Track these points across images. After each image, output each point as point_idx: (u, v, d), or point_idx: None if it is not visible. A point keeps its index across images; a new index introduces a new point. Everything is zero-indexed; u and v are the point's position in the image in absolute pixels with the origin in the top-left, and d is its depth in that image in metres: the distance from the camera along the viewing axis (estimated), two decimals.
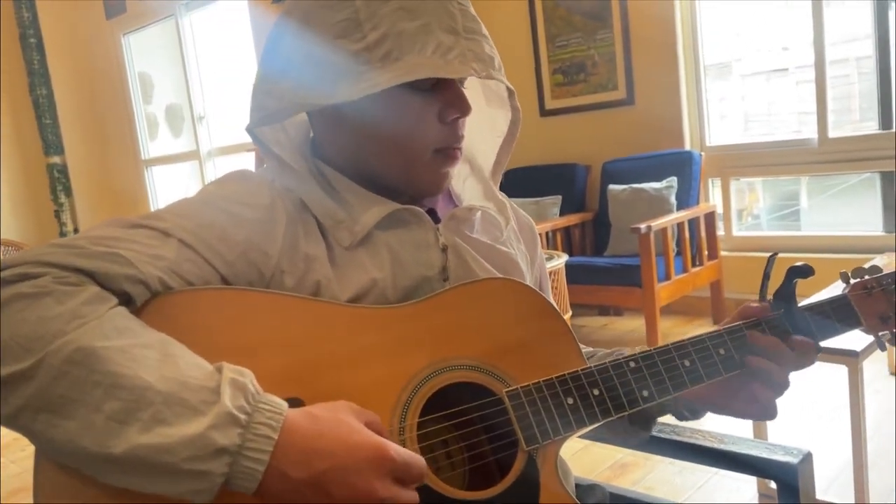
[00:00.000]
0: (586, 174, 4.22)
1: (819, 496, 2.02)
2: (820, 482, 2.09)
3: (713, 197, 4.01)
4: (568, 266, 3.20)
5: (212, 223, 0.74)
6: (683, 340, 0.85)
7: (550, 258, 3.12)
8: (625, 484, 2.22)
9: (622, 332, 3.85)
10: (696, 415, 0.90)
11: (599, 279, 3.57)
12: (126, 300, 0.67)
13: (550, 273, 3.02)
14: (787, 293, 0.89)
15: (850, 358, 1.85)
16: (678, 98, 3.92)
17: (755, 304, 0.90)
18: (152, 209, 0.75)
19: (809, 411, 2.57)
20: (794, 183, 4.56)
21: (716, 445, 0.98)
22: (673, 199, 3.66)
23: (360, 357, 0.73)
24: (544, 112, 4.44)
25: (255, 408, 0.61)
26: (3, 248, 5.08)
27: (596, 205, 4.14)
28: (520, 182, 4.32)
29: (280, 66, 0.79)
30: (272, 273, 0.75)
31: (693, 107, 3.99)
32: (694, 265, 3.62)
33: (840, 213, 4.47)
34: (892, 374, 2.86)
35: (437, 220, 0.86)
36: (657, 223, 3.33)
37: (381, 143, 0.80)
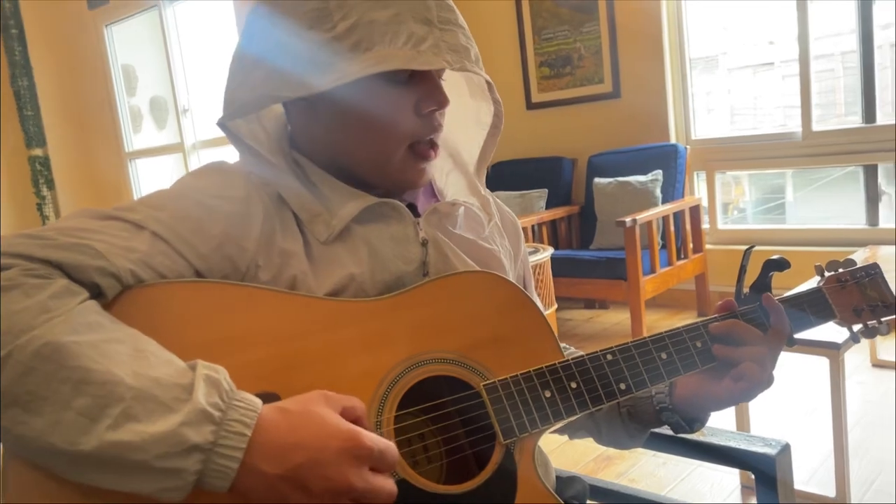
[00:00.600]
0: (572, 167, 4.23)
1: (800, 487, 2.04)
2: (801, 474, 2.11)
3: (698, 190, 4.03)
4: (554, 259, 3.20)
5: (186, 216, 0.73)
6: (661, 333, 0.85)
7: (536, 251, 3.12)
8: (609, 476, 2.23)
9: (607, 326, 3.86)
10: (691, 426, 0.89)
11: (585, 272, 3.58)
12: (96, 293, 0.66)
13: (536, 266, 3.03)
14: (763, 286, 0.90)
15: (832, 350, 1.87)
16: (664, 91, 3.93)
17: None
18: None
19: (792, 404, 2.59)
20: (779, 177, 4.59)
21: (695, 437, 0.98)
22: (658, 193, 3.67)
23: (336, 351, 0.72)
24: (530, 105, 4.43)
25: (229, 405, 0.60)
26: None
27: (582, 198, 4.15)
28: (506, 175, 4.32)
29: (252, 57, 0.78)
30: (247, 267, 0.74)
31: (679, 100, 4.00)
32: (679, 258, 3.63)
33: (825, 207, 4.50)
34: (874, 365, 2.88)
35: (417, 214, 0.85)
36: (642, 216, 3.33)
37: (356, 136, 0.79)
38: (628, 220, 3.25)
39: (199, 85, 5.54)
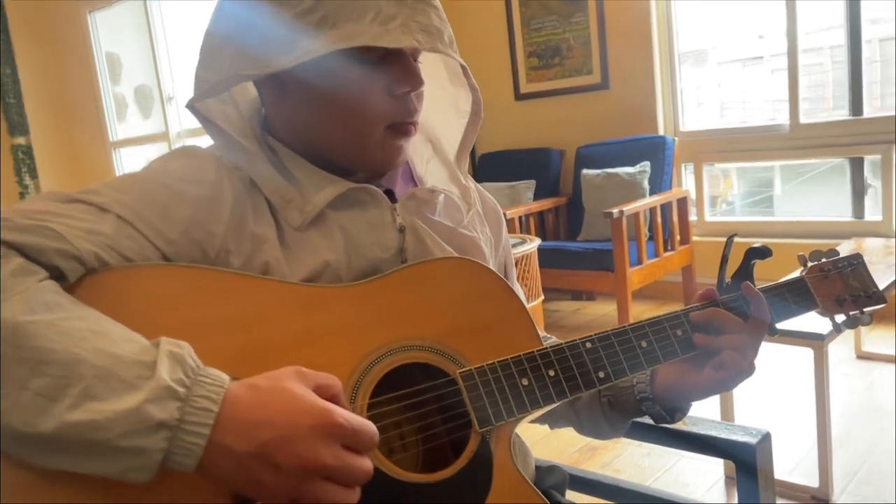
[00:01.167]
0: (560, 158, 4.22)
1: (784, 478, 2.04)
2: (786, 464, 2.11)
3: (686, 182, 4.03)
4: (541, 250, 3.19)
5: (153, 200, 0.71)
6: (641, 322, 0.84)
7: (523, 242, 3.11)
8: (593, 466, 2.22)
9: (594, 317, 3.86)
10: (672, 416, 0.88)
11: (572, 263, 3.58)
12: (58, 275, 0.64)
13: (523, 257, 3.01)
14: (744, 274, 0.89)
15: (816, 341, 1.87)
16: (652, 83, 3.93)
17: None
18: None
19: (776, 394, 2.60)
20: (767, 170, 4.60)
21: (677, 426, 0.97)
22: (646, 184, 3.67)
23: (308, 337, 0.70)
24: (519, 96, 4.41)
25: (194, 381, 0.58)
26: None
27: (570, 189, 4.14)
28: (494, 166, 4.31)
29: (220, 36, 0.76)
30: (217, 253, 0.72)
31: (667, 92, 3.99)
32: (666, 250, 3.63)
33: (812, 199, 4.52)
34: (858, 357, 2.90)
35: (395, 200, 0.83)
36: (629, 208, 3.33)
37: (328, 119, 0.77)
38: (615, 211, 3.25)
39: (184, 73, 5.48)
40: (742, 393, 1.61)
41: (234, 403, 0.58)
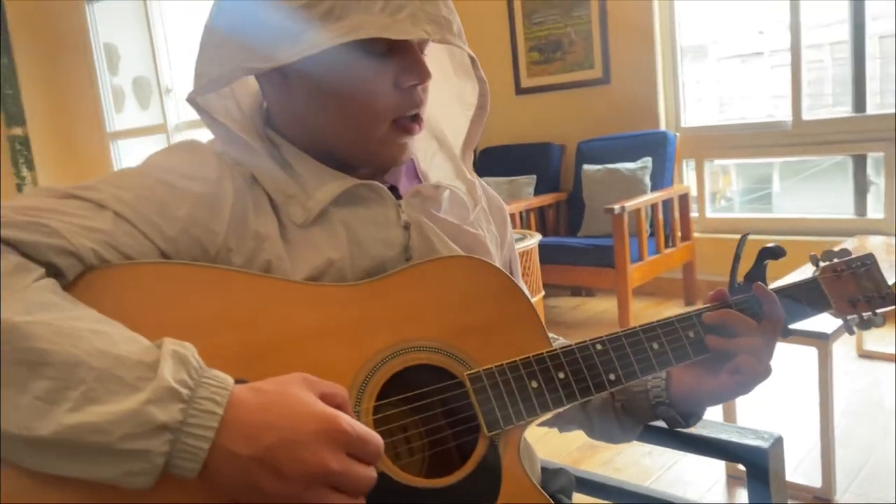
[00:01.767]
0: (561, 154, 4.19)
1: (786, 478, 2.03)
2: (788, 463, 2.10)
3: (687, 178, 4.01)
4: (541, 246, 3.17)
5: (151, 196, 0.69)
6: (652, 323, 0.82)
7: (524, 238, 3.09)
8: (594, 465, 2.21)
9: (594, 313, 3.85)
10: (687, 421, 0.87)
11: (572, 259, 3.56)
12: (55, 272, 0.62)
13: (524, 253, 3.00)
14: (757, 275, 0.87)
15: (821, 341, 1.85)
16: (654, 78, 3.90)
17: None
18: None
19: (778, 394, 2.58)
20: (766, 167, 4.58)
21: (686, 429, 0.95)
22: (647, 180, 3.65)
23: (312, 337, 0.69)
24: (520, 90, 4.39)
25: (198, 382, 0.56)
26: None
27: (570, 185, 4.12)
28: (494, 161, 4.28)
29: (222, 29, 0.74)
30: (218, 250, 0.71)
31: (669, 87, 3.97)
32: (667, 246, 3.62)
33: (812, 196, 4.51)
34: (860, 356, 2.89)
35: (400, 197, 0.82)
36: (631, 204, 3.31)
37: (333, 111, 0.75)
38: (616, 207, 3.23)
39: (182, 64, 5.45)
40: None
41: (239, 406, 0.57)
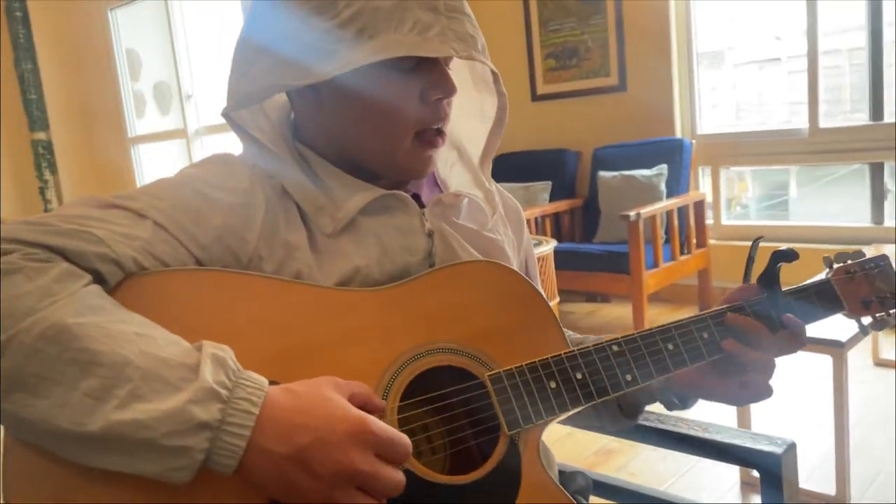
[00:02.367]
0: (577, 160, 4.21)
1: (801, 485, 2.03)
2: (801, 471, 2.10)
3: (703, 185, 4.01)
4: (556, 252, 3.19)
5: (187, 206, 0.72)
6: (668, 325, 0.84)
7: (539, 244, 3.11)
8: (609, 470, 2.22)
9: (609, 319, 3.85)
10: (685, 403, 0.89)
11: (588, 265, 3.57)
12: (98, 279, 0.65)
13: (539, 259, 3.01)
14: (770, 277, 0.88)
15: (836, 348, 1.85)
16: (670, 85, 3.91)
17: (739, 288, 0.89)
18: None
19: (793, 401, 2.58)
20: (783, 173, 4.57)
21: (700, 434, 0.97)
22: (663, 187, 3.66)
23: (340, 340, 0.72)
24: (536, 97, 4.41)
25: (235, 383, 0.60)
26: None
27: (586, 191, 4.13)
28: (510, 167, 4.30)
29: (256, 45, 0.77)
30: (249, 258, 0.74)
31: (685, 94, 3.98)
32: (682, 253, 3.62)
33: (829, 204, 4.49)
34: (875, 364, 2.88)
35: (422, 205, 0.84)
36: (646, 210, 3.32)
37: (362, 124, 0.78)
38: (632, 214, 3.24)
39: (203, 71, 5.52)
40: None
41: (274, 407, 0.60)
